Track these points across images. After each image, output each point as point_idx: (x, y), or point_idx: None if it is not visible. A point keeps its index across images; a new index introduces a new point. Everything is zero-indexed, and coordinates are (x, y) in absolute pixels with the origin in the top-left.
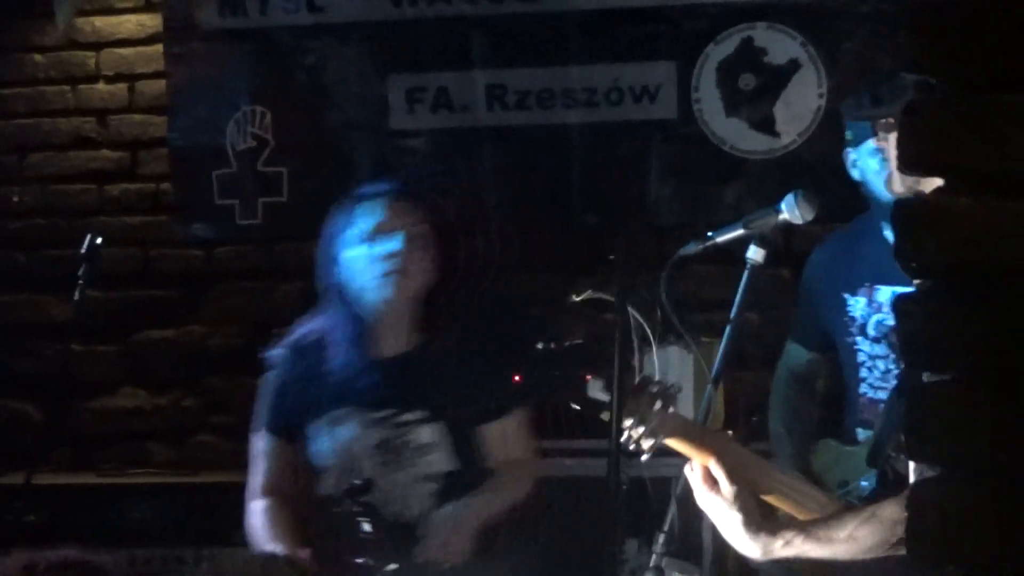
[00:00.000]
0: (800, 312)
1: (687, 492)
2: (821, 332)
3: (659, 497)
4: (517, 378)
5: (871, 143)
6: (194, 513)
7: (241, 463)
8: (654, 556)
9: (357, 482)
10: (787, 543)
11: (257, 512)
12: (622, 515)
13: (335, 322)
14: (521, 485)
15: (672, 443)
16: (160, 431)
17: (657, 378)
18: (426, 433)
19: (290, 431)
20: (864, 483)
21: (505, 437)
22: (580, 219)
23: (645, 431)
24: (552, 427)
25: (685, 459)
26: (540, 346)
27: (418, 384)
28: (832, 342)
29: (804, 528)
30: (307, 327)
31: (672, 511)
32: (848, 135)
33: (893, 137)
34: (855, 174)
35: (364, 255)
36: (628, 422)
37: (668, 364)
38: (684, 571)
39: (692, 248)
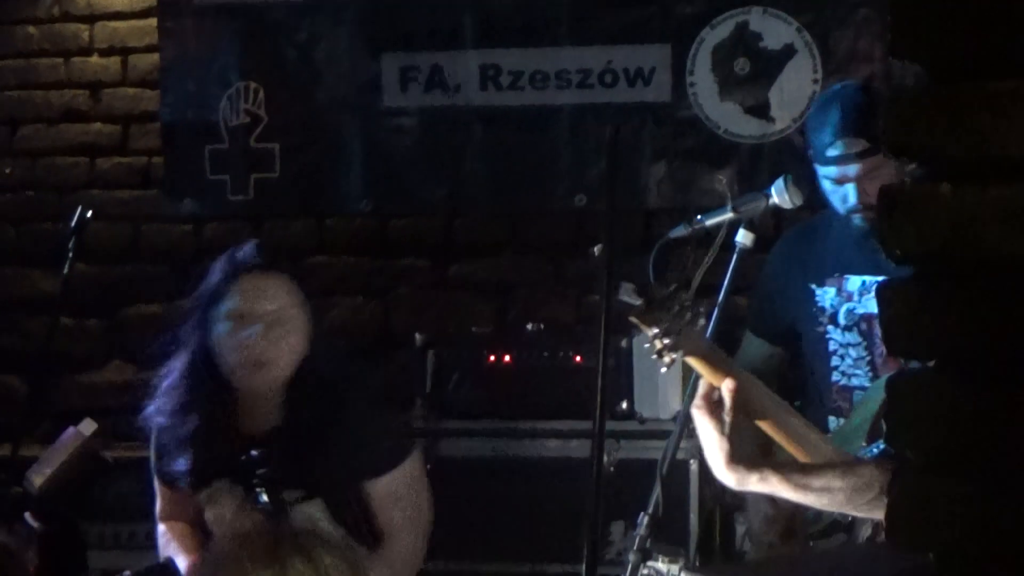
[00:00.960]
0: (762, 306)
1: (673, 473)
2: (785, 325)
3: (648, 479)
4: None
5: (831, 169)
6: None
7: None
8: (638, 538)
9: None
10: (762, 479)
11: (159, 535)
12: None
13: (200, 389)
14: (413, 556)
15: (692, 361)
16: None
17: (688, 292)
18: (304, 512)
19: (175, 485)
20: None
21: (393, 494)
22: (571, 200)
23: (669, 343)
24: (536, 408)
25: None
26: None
27: (292, 460)
28: (796, 334)
29: (782, 469)
30: (170, 386)
31: (657, 493)
32: (809, 151)
33: (850, 186)
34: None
35: (225, 336)
36: (654, 331)
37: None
38: (669, 553)
39: (680, 231)
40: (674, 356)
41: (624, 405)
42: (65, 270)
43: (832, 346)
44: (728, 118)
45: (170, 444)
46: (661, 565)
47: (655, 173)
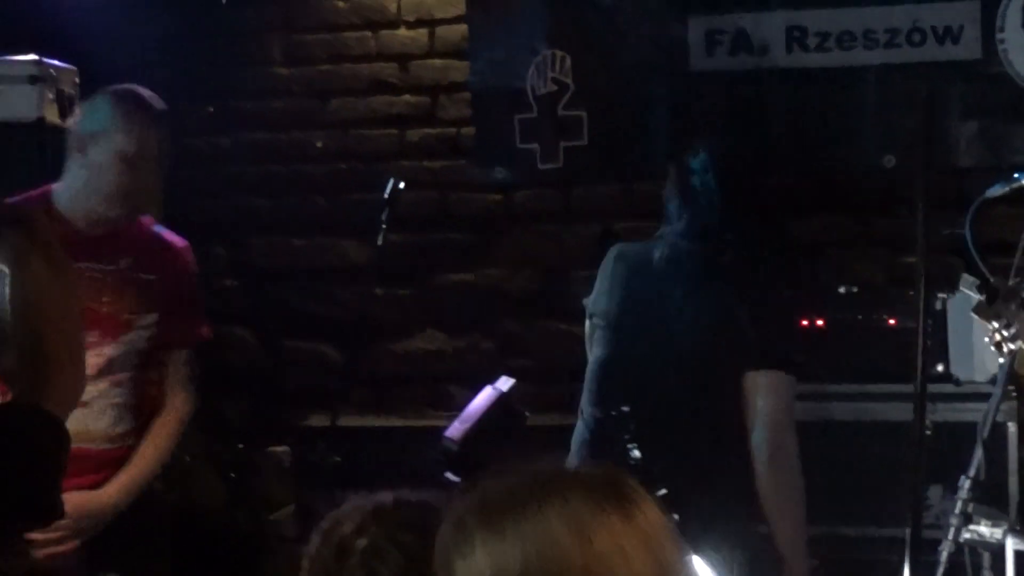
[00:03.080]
0: None
1: (994, 437)
2: None
3: (965, 442)
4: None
5: None
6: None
7: (536, 406)
8: (960, 502)
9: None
10: None
11: None
12: (926, 460)
13: None
14: None
15: None
16: (458, 374)
17: None
18: None
19: None
20: None
21: None
22: (879, 160)
23: (1010, 334)
24: (850, 372)
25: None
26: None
27: None
28: None
29: None
30: None
31: (978, 456)
32: None
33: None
34: None
35: None
36: (995, 324)
37: (969, 308)
38: (990, 517)
39: (997, 190)
40: (1012, 347)
41: (940, 368)
42: (379, 240)
43: None
44: None
45: None
46: (984, 528)
47: (966, 132)
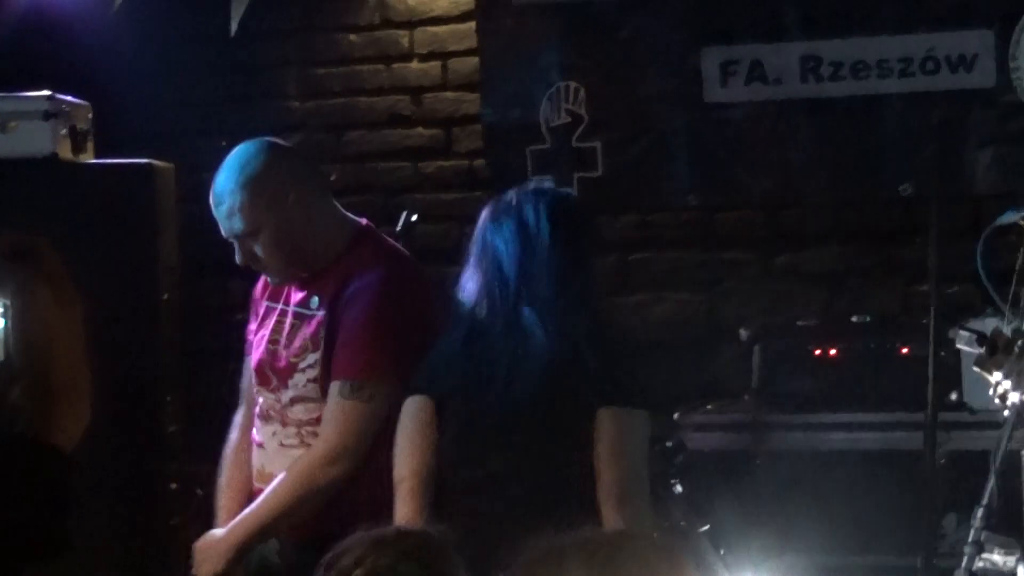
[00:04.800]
0: None
1: (1007, 465)
2: None
3: (979, 470)
4: None
5: None
6: None
7: None
8: (973, 531)
9: None
10: None
11: None
12: (940, 489)
13: None
14: None
15: None
16: None
17: None
18: None
19: None
20: None
21: None
22: (896, 189)
23: (1011, 384)
24: (863, 400)
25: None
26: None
27: None
28: None
29: None
30: None
31: (992, 484)
32: None
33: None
34: None
35: None
36: (997, 376)
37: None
38: (1005, 546)
39: (1010, 217)
40: (1015, 399)
41: (954, 396)
42: None
43: None
44: None
45: None
46: (997, 557)
47: (982, 159)
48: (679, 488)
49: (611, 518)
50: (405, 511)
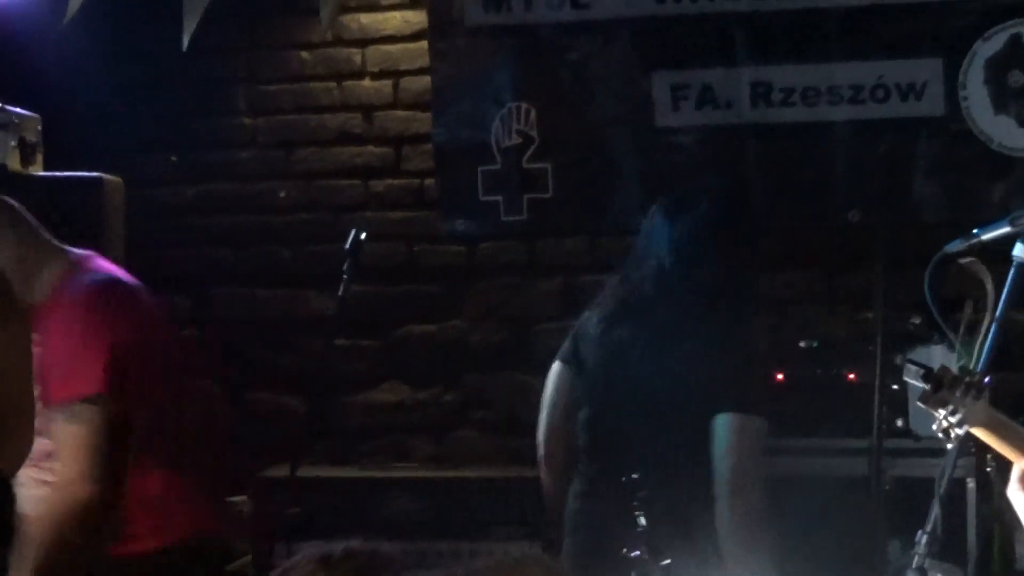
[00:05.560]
0: None
1: (951, 492)
2: None
3: (924, 497)
4: None
5: None
6: (454, 507)
7: (500, 459)
8: (916, 557)
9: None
10: None
11: None
12: (885, 515)
13: None
14: None
15: (978, 432)
16: (420, 426)
17: (970, 370)
18: None
19: None
20: None
21: None
22: (844, 216)
23: (956, 420)
24: (808, 426)
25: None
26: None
27: None
28: None
29: None
30: None
31: (935, 511)
32: None
33: None
34: None
35: None
36: (942, 411)
37: (932, 363)
38: (947, 573)
39: (957, 245)
40: (959, 432)
41: (900, 423)
42: (341, 291)
43: None
44: (1002, 132)
45: None
46: None
47: (930, 187)
48: (643, 521)
49: (724, 509)
50: (542, 477)
